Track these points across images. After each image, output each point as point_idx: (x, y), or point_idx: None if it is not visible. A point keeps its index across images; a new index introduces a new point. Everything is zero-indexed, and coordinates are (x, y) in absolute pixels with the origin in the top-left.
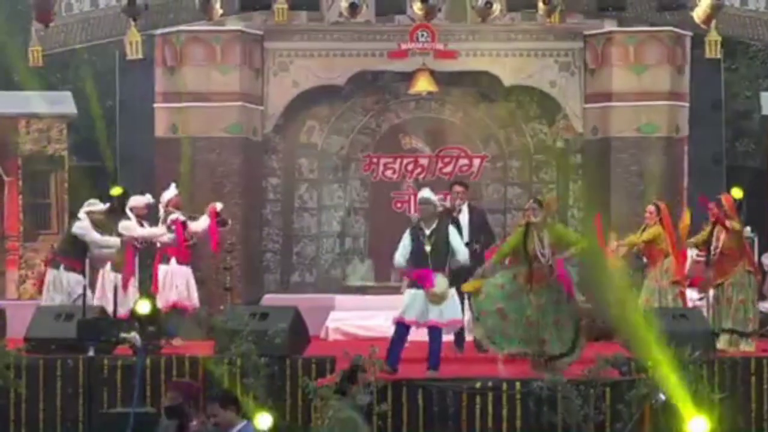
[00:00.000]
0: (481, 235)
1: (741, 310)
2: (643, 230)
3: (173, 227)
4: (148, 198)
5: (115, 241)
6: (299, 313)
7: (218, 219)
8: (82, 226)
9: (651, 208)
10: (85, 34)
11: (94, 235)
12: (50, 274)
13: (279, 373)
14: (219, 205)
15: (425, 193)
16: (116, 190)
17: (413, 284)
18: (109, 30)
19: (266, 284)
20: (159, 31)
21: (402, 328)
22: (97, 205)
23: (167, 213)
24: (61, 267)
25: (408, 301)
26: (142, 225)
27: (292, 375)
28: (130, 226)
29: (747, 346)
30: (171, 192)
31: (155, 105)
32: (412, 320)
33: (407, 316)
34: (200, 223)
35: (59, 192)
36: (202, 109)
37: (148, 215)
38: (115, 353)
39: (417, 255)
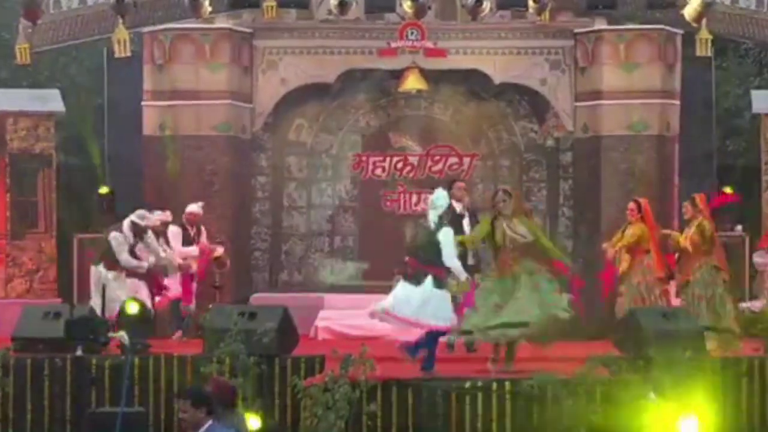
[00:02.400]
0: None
1: (712, 307)
2: (624, 229)
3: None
4: (167, 215)
5: (141, 265)
6: (288, 312)
7: (216, 261)
8: (118, 240)
9: (632, 205)
10: (74, 32)
11: (122, 255)
12: (94, 272)
13: (268, 373)
14: (220, 250)
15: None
16: (103, 189)
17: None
18: (97, 27)
19: (255, 283)
20: (147, 29)
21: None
22: (148, 219)
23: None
24: (101, 264)
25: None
26: (161, 241)
27: (281, 374)
28: (143, 253)
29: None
30: (193, 207)
31: (143, 103)
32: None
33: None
34: (190, 252)
35: (47, 190)
36: (191, 107)
37: (165, 231)
38: (104, 353)
39: None
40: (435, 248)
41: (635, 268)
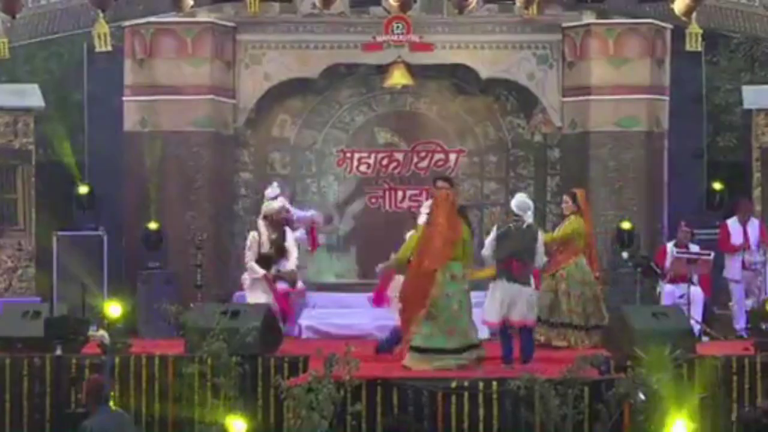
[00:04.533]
0: None
1: (580, 304)
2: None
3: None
4: (281, 202)
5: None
6: (271, 310)
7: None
8: (249, 241)
9: (566, 197)
10: (53, 26)
11: (247, 257)
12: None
13: (250, 373)
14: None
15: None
16: (83, 188)
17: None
18: (77, 21)
19: (237, 281)
20: (128, 23)
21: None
22: (271, 205)
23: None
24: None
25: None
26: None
27: (264, 374)
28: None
29: (588, 341)
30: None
31: (124, 98)
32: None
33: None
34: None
35: (26, 187)
36: (172, 102)
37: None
38: (84, 352)
39: None
40: (533, 249)
41: (569, 266)
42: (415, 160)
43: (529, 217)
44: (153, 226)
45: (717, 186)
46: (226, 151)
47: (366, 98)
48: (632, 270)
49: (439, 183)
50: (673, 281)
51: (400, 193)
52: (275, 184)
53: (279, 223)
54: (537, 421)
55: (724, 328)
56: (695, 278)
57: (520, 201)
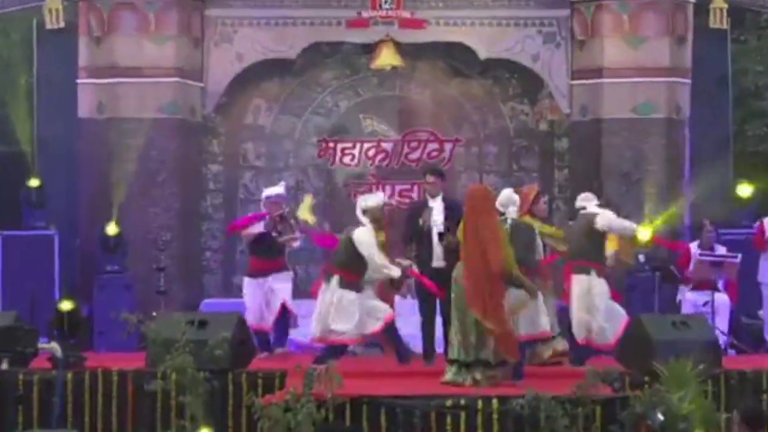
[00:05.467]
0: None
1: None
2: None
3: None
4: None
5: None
6: (243, 320)
7: None
8: (365, 239)
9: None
10: None
11: (374, 255)
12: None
13: (220, 390)
14: None
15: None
16: (34, 182)
17: None
18: None
19: (206, 287)
20: None
21: None
22: (368, 201)
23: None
24: (334, 280)
25: None
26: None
27: (236, 391)
28: None
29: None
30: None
31: (78, 81)
32: None
33: None
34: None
35: None
36: (133, 85)
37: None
38: (33, 366)
39: None
40: (532, 246)
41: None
42: (406, 150)
43: (512, 213)
44: (111, 225)
45: (746, 180)
46: (194, 141)
47: (350, 81)
48: (650, 274)
49: (429, 177)
50: (696, 287)
51: (388, 188)
52: (283, 183)
53: (381, 221)
54: None
55: (754, 339)
56: (720, 284)
57: (503, 195)
